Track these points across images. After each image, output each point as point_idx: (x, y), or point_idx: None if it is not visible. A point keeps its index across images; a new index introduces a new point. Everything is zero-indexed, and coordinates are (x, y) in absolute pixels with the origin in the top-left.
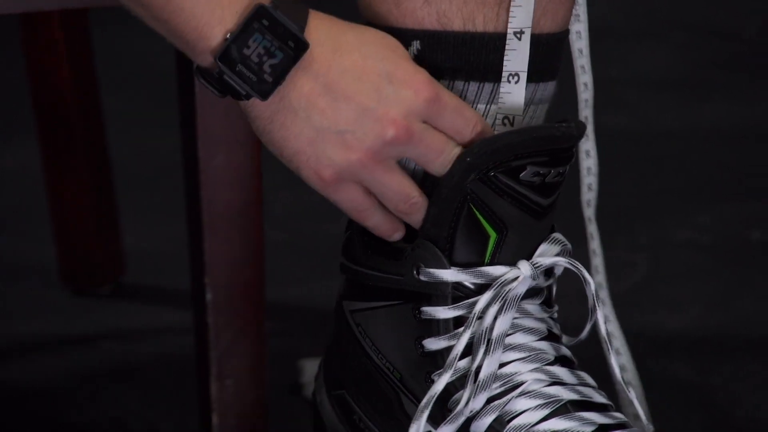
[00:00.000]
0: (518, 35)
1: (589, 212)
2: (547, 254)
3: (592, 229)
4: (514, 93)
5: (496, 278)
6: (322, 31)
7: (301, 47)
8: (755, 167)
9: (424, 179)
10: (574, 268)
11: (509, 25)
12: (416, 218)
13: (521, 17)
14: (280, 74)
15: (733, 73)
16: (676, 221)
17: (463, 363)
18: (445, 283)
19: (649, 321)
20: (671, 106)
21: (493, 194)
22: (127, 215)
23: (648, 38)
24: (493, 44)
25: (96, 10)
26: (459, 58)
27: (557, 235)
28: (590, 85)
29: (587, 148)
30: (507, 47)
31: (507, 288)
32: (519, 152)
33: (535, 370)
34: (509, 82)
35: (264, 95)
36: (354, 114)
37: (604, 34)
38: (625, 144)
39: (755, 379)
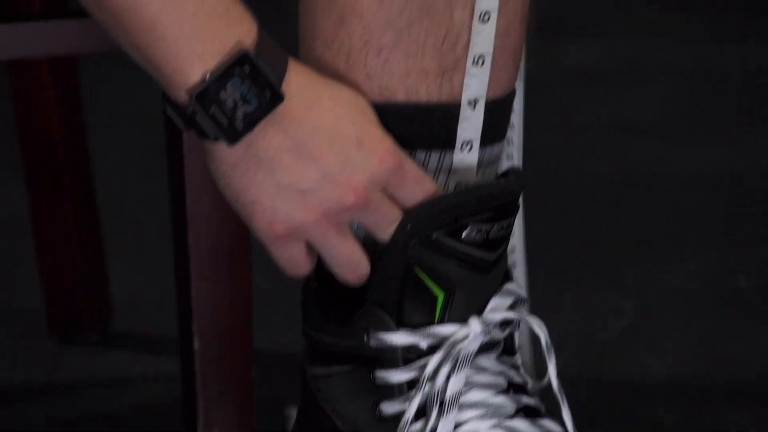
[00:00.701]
0: (472, 104)
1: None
2: (499, 308)
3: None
4: (467, 160)
5: (446, 338)
6: (300, 85)
7: (276, 99)
8: (742, 213)
9: (366, 240)
10: (525, 322)
11: (464, 95)
12: (357, 282)
13: (475, 87)
14: (251, 123)
15: (720, 119)
16: (663, 266)
17: (417, 426)
18: (394, 347)
19: (635, 367)
20: (658, 151)
21: (437, 256)
22: (115, 261)
23: (634, 83)
24: (438, 114)
25: (84, 54)
26: (404, 129)
27: (510, 286)
28: (517, 158)
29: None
30: (461, 116)
31: (458, 347)
32: (459, 213)
33: (494, 426)
34: (462, 150)
35: (232, 141)
36: (318, 175)
37: (590, 79)
38: (612, 189)
39: (741, 425)
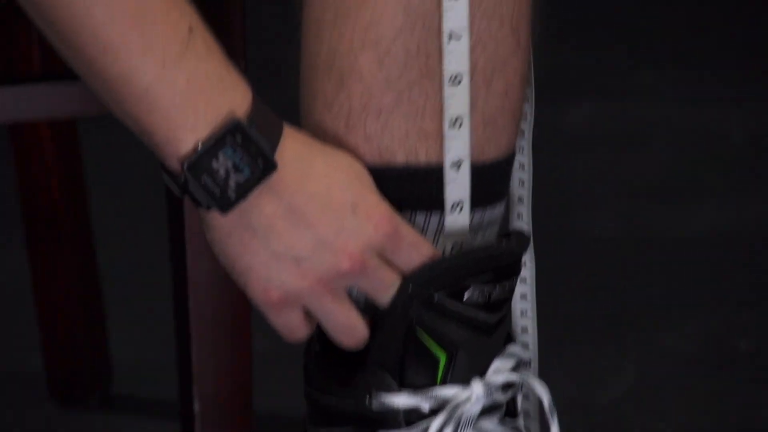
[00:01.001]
0: (456, 166)
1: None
2: (502, 370)
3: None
4: (458, 222)
5: (448, 400)
6: (294, 152)
7: (269, 167)
8: (743, 275)
9: (368, 304)
10: (527, 385)
11: (446, 158)
12: (355, 346)
13: (457, 148)
14: (244, 192)
15: (722, 180)
16: (663, 328)
17: None
18: (396, 409)
19: (636, 430)
20: (659, 212)
21: (439, 318)
22: (116, 324)
23: (635, 145)
24: (437, 176)
25: (85, 118)
26: (404, 191)
27: (512, 348)
28: (526, 216)
29: (522, 161)
30: (447, 179)
31: (460, 409)
32: (460, 275)
33: None
34: (453, 212)
35: (225, 210)
36: (312, 242)
37: (591, 141)
38: (613, 251)
39: None
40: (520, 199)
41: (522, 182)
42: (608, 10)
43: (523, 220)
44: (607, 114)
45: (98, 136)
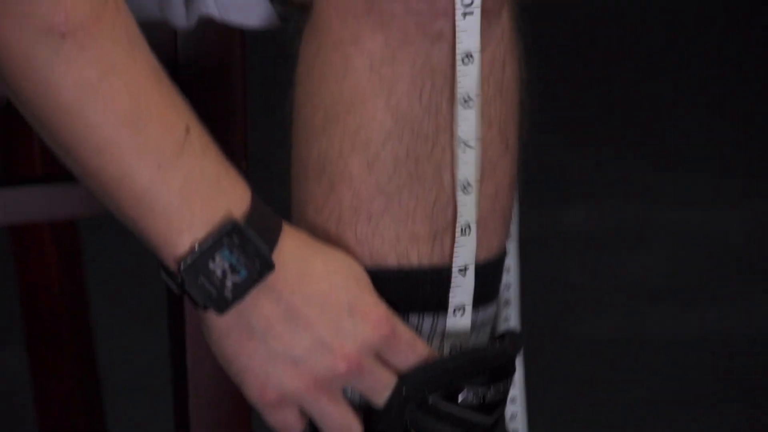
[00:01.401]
0: (462, 272)
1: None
2: None
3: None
4: (460, 324)
5: None
6: (292, 253)
7: (267, 268)
8: (744, 376)
9: (362, 402)
10: None
11: (454, 263)
12: None
13: (464, 255)
14: (241, 292)
15: (721, 281)
16: (663, 430)
17: None
18: None
19: None
20: (658, 313)
21: (434, 420)
22: (116, 422)
23: (634, 246)
24: (430, 278)
25: (86, 218)
26: (396, 293)
27: None
28: (514, 319)
29: (508, 264)
30: (453, 284)
31: None
32: (454, 376)
33: None
34: (455, 315)
35: (222, 310)
36: (310, 343)
37: (589, 242)
38: (612, 352)
39: None
40: (507, 302)
41: (508, 286)
42: (606, 110)
43: (510, 322)
44: (605, 214)
45: (99, 236)
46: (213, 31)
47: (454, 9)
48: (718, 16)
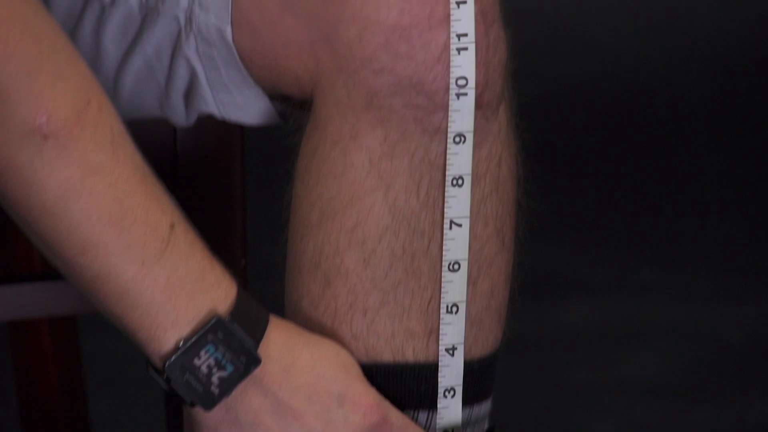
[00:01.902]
0: (450, 352)
1: None
2: None
3: None
4: (451, 406)
5: None
6: (279, 345)
7: (253, 362)
8: None
9: None
10: None
11: (441, 342)
12: None
13: (452, 334)
14: (227, 388)
15: (721, 380)
16: None
17: None
18: None
19: None
20: (657, 413)
21: None
22: None
23: (633, 344)
24: (424, 374)
25: (84, 315)
26: (391, 389)
27: None
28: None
29: None
30: (441, 363)
31: None
32: None
33: None
34: (446, 397)
35: (209, 406)
36: None
37: (588, 339)
38: None
39: None
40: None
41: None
42: (605, 207)
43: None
44: (605, 312)
45: (97, 331)
46: (212, 126)
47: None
48: (716, 114)
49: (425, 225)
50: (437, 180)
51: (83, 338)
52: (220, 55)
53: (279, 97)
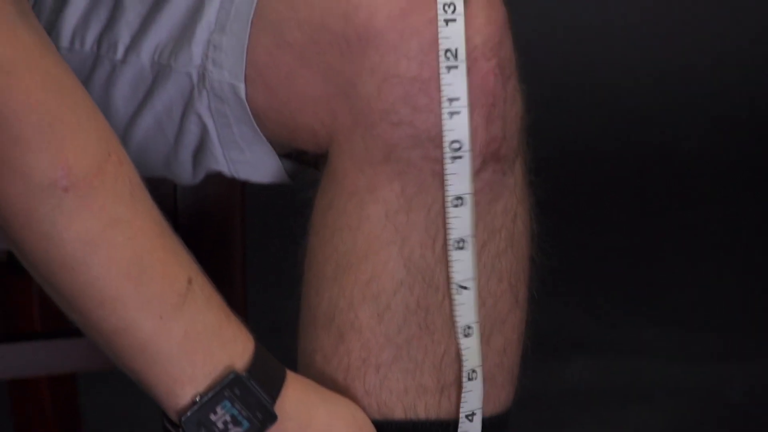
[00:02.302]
0: (470, 417)
1: None
2: None
3: None
4: None
5: None
6: (295, 402)
7: (269, 419)
8: None
9: None
10: None
11: (461, 410)
12: None
13: (472, 400)
14: None
15: None
16: None
17: None
18: None
19: None
20: None
21: None
22: None
23: (635, 402)
24: (437, 431)
25: (84, 373)
26: None
27: None
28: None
29: None
30: (459, 429)
31: None
32: None
33: None
34: None
35: None
36: None
37: (589, 398)
38: None
39: None
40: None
41: None
42: (608, 265)
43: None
44: (606, 370)
45: (97, 389)
46: (213, 182)
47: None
48: (720, 171)
49: (440, 280)
50: None
51: (83, 395)
52: (232, 112)
53: (292, 153)
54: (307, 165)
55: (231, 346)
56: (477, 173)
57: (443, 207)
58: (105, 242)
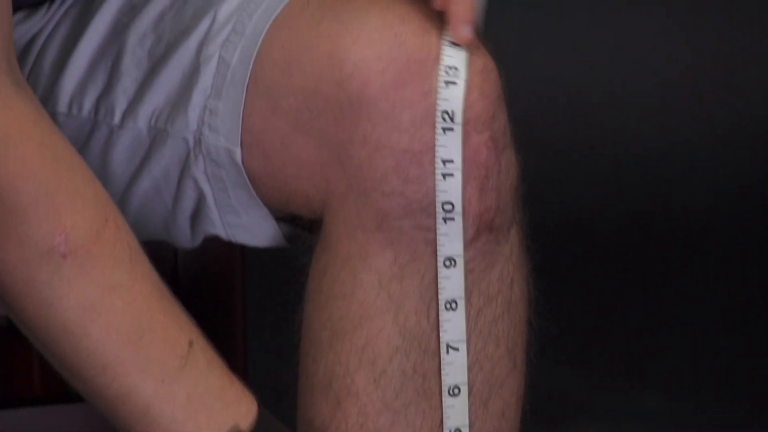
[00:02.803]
0: None
1: None
2: None
3: None
4: None
5: None
6: None
7: None
8: None
9: None
10: None
11: None
12: None
13: None
14: None
15: None
16: None
17: None
18: None
19: None
20: None
21: None
22: None
23: None
24: None
25: None
26: None
27: None
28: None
29: None
30: None
31: None
32: None
33: None
34: None
35: None
36: None
37: None
38: None
39: None
40: None
41: None
42: (609, 331)
43: None
44: None
45: None
46: (213, 245)
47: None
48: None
49: (436, 345)
50: None
51: None
52: (228, 177)
53: (287, 218)
54: (302, 229)
55: (235, 408)
56: (471, 242)
57: (437, 274)
58: (104, 308)
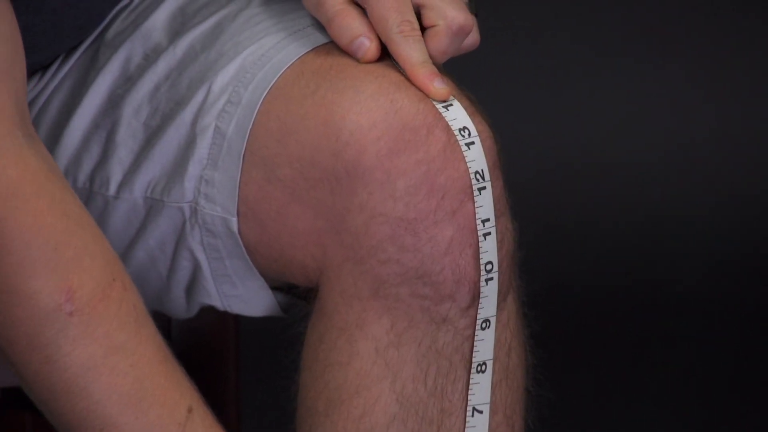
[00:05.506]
0: None
1: None
2: None
3: None
4: None
5: None
6: None
7: None
8: None
9: None
10: None
11: None
12: None
13: None
14: None
15: None
16: None
17: None
18: None
19: None
20: None
21: None
22: None
23: None
24: None
25: None
26: None
27: None
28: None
29: None
30: None
31: None
32: None
33: None
34: None
35: None
36: None
37: None
38: None
39: None
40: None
41: None
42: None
43: None
44: None
45: None
46: (206, 313)
47: (459, 294)
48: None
49: (433, 413)
50: (445, 368)
51: None
52: (224, 246)
53: (283, 287)
54: (298, 298)
55: None
56: (466, 309)
57: (433, 342)
58: (107, 368)
